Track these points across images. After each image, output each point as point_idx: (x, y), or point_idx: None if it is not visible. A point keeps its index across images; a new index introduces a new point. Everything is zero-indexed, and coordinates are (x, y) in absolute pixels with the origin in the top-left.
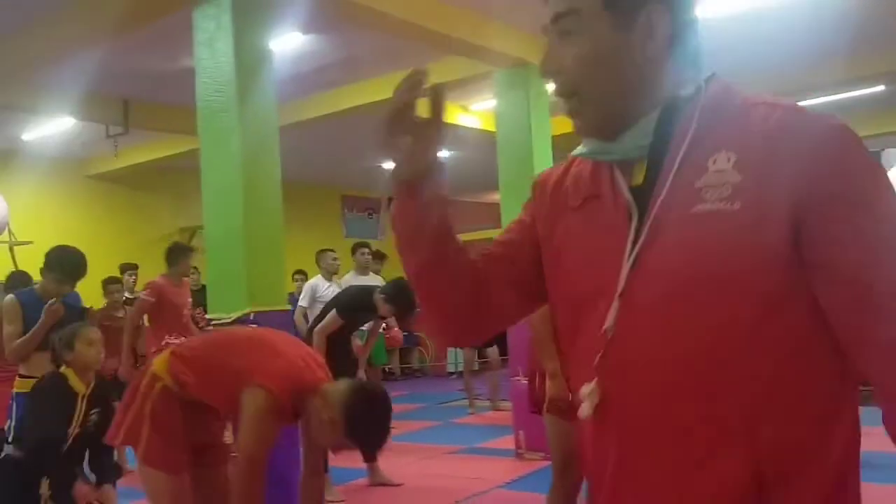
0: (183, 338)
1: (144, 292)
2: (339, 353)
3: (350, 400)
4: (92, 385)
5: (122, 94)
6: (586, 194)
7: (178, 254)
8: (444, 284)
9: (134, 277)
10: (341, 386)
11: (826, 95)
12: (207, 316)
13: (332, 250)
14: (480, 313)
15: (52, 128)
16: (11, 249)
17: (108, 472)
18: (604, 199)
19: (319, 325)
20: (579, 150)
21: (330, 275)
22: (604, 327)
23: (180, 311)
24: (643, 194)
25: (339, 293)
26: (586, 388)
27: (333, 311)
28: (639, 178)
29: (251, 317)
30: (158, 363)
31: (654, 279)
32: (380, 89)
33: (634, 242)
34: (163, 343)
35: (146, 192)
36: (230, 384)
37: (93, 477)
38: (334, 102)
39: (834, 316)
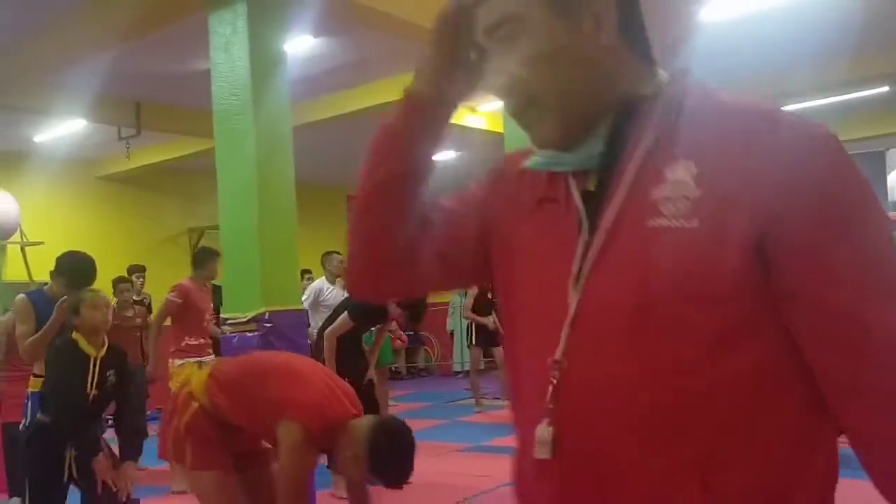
0: (202, 340)
1: (172, 294)
2: (350, 354)
3: (373, 437)
4: (105, 348)
5: (134, 97)
6: (542, 196)
7: (204, 257)
8: (393, 213)
9: (141, 280)
10: (366, 422)
11: (830, 96)
12: (223, 315)
13: (338, 252)
14: (408, 268)
15: (64, 129)
16: (23, 250)
17: (133, 445)
18: (559, 204)
19: (330, 328)
20: (532, 161)
21: (334, 277)
22: (554, 358)
23: (202, 315)
24: (597, 202)
25: (349, 297)
26: (542, 431)
27: (345, 314)
28: (594, 185)
29: (266, 315)
30: (196, 383)
31: (603, 303)
32: (389, 91)
33: (584, 258)
34: (182, 344)
35: (155, 192)
36: (263, 412)
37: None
38: (344, 104)
39: (814, 354)
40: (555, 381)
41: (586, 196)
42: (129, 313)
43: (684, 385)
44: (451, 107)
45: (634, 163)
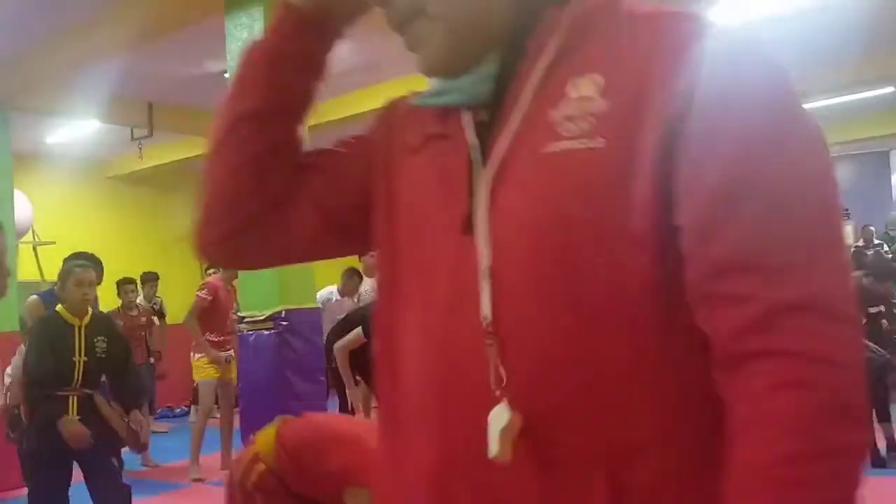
0: (222, 337)
1: (202, 291)
2: (362, 358)
3: None
4: (89, 316)
5: (147, 98)
6: (431, 132)
7: None
8: (259, 156)
9: (154, 288)
10: None
11: (835, 97)
12: (240, 314)
13: (359, 274)
14: (278, 227)
15: (77, 130)
16: (35, 249)
17: (131, 398)
18: (449, 139)
19: (341, 343)
20: (418, 97)
21: (346, 293)
22: (483, 321)
23: (227, 313)
24: (491, 132)
25: (363, 308)
26: (499, 416)
27: (359, 329)
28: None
29: (282, 314)
30: (263, 443)
31: (505, 249)
32: (400, 92)
33: (476, 197)
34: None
35: (167, 192)
36: (329, 486)
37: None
38: (356, 104)
39: (695, 300)
40: (498, 351)
41: (482, 128)
42: (134, 312)
43: (602, 361)
44: (337, 25)
45: (532, 82)
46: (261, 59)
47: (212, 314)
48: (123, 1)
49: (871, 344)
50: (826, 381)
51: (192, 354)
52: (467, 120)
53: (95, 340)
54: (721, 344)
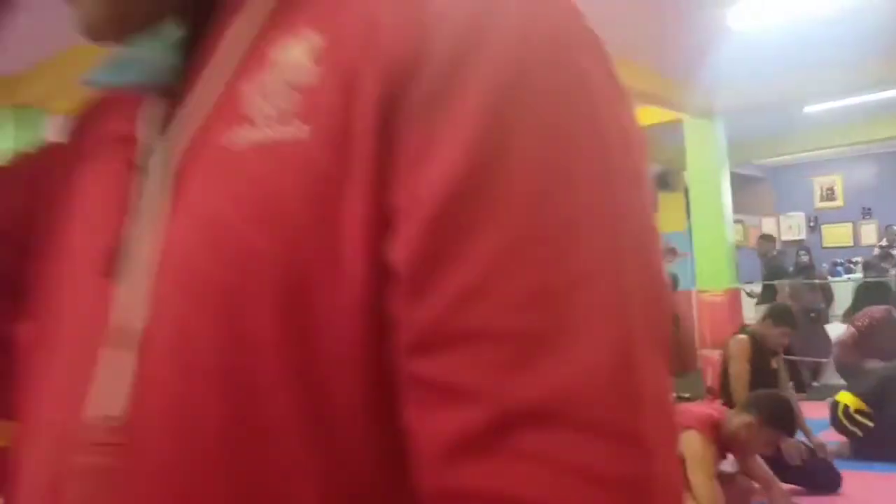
0: None
1: None
2: None
3: None
4: None
5: None
6: (107, 131)
7: None
8: None
9: None
10: None
11: (860, 96)
12: None
13: None
14: None
15: None
16: None
17: None
18: (125, 140)
19: None
20: (89, 73)
21: None
22: (104, 413)
23: None
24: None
25: None
26: None
27: None
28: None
29: None
30: None
31: (169, 305)
32: None
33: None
34: None
35: None
36: None
37: None
38: None
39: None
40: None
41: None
42: None
43: (290, 485)
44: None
45: (225, 48)
46: None
47: None
48: None
49: None
50: None
51: None
52: (144, 110)
53: None
54: (426, 468)
